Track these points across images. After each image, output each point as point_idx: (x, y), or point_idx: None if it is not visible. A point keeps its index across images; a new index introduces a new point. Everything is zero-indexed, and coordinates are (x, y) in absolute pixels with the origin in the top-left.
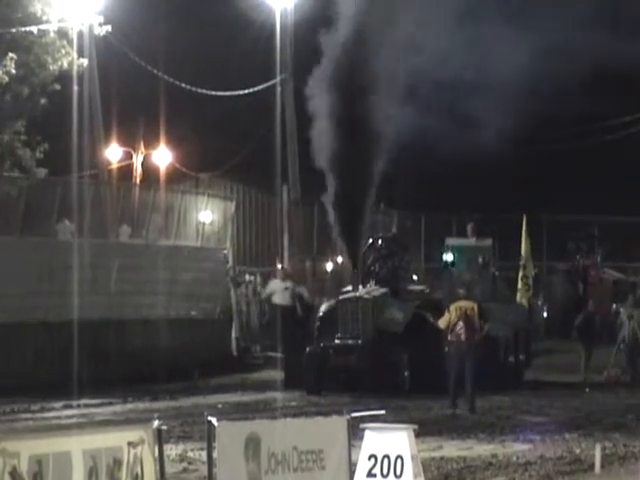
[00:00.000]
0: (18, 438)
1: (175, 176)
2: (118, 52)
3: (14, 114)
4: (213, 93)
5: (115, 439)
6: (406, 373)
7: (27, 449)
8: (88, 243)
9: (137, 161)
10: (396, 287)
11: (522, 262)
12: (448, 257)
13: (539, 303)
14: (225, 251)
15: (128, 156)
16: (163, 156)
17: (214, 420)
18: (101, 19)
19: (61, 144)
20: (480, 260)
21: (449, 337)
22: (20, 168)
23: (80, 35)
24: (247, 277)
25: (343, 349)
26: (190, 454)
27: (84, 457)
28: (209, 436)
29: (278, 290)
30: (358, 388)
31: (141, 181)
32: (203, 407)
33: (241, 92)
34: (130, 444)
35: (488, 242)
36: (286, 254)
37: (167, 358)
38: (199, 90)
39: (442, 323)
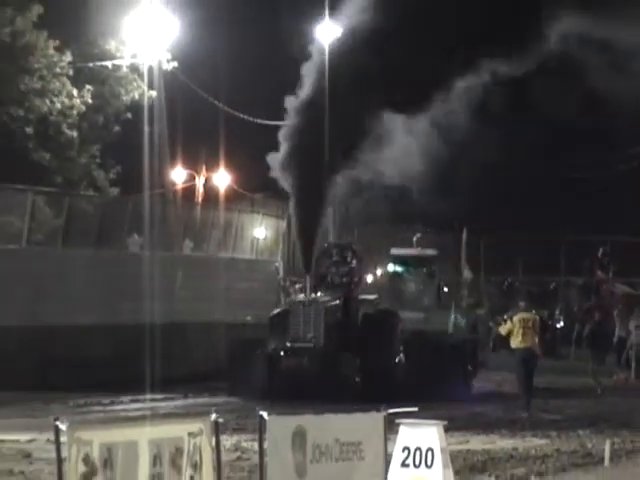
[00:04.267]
0: (91, 428)
1: (233, 196)
2: (183, 85)
3: (90, 140)
4: (267, 122)
5: (177, 430)
6: (357, 379)
7: (99, 438)
8: (155, 255)
9: (199, 182)
10: (348, 294)
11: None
12: (393, 267)
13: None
14: (276, 263)
15: (191, 178)
16: (222, 178)
17: (265, 414)
18: (169, 56)
19: (132, 166)
20: (425, 270)
21: (513, 345)
22: (95, 188)
23: (150, 70)
24: (296, 286)
25: (295, 352)
26: (244, 444)
27: (149, 446)
28: (261, 428)
29: None
30: (308, 392)
31: (203, 200)
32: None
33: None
34: (190, 434)
35: (432, 252)
36: None
37: (224, 358)
38: (255, 120)
39: (503, 330)
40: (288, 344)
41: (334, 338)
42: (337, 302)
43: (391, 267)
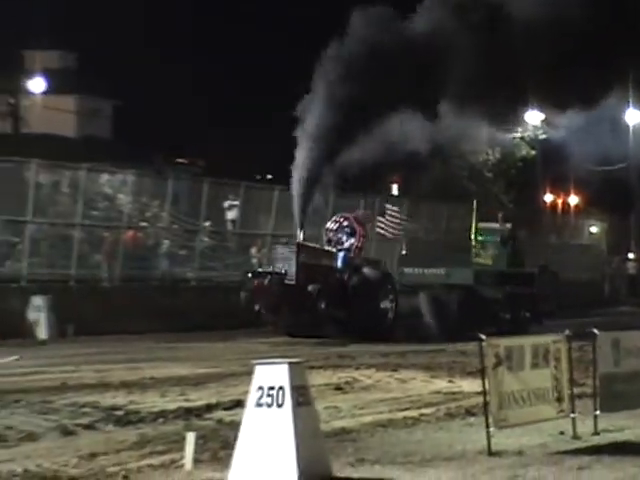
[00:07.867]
0: (497, 339)
1: (581, 209)
2: (551, 146)
3: (498, 178)
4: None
5: (546, 340)
6: (322, 304)
7: (503, 343)
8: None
9: (559, 201)
10: (346, 253)
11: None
12: (480, 237)
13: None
14: (602, 247)
15: (555, 199)
16: (573, 199)
17: (595, 330)
18: (542, 130)
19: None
20: (499, 238)
21: None
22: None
23: (531, 139)
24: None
25: (259, 274)
26: (585, 348)
27: (531, 348)
28: (594, 342)
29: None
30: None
31: (561, 212)
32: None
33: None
34: (554, 342)
35: (508, 226)
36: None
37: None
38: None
39: None
40: (259, 269)
41: (305, 273)
42: (313, 245)
43: (477, 236)
